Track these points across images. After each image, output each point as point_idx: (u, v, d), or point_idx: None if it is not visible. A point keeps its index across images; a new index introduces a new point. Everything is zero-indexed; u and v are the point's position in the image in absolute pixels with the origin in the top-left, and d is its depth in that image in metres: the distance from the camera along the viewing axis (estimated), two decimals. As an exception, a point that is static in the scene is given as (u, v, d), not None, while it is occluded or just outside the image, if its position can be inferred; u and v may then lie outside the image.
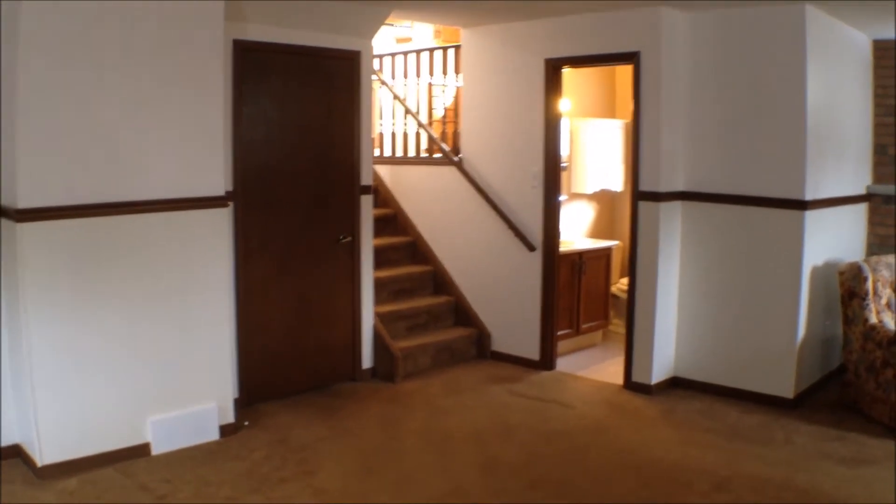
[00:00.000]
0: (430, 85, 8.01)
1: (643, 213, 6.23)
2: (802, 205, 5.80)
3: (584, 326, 7.51)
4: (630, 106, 8.25)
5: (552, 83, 6.67)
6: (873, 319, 5.78)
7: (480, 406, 6.04)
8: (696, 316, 6.35)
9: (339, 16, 5.95)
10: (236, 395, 5.53)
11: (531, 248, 6.83)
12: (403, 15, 7.10)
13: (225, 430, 5.30)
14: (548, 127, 6.71)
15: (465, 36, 7.23)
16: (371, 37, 6.34)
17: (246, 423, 5.51)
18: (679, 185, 6.29)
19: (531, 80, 6.77)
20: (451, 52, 7.64)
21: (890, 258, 6.06)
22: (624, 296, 7.84)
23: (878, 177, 6.91)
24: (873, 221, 6.94)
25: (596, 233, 8.38)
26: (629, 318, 6.40)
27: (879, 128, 6.87)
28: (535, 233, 6.86)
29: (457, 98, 7.71)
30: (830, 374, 6.53)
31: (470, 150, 7.28)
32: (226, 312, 5.34)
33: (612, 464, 5.03)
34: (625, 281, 7.96)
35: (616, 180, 8.32)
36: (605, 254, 7.73)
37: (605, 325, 7.80)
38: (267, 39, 5.68)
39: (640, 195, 6.24)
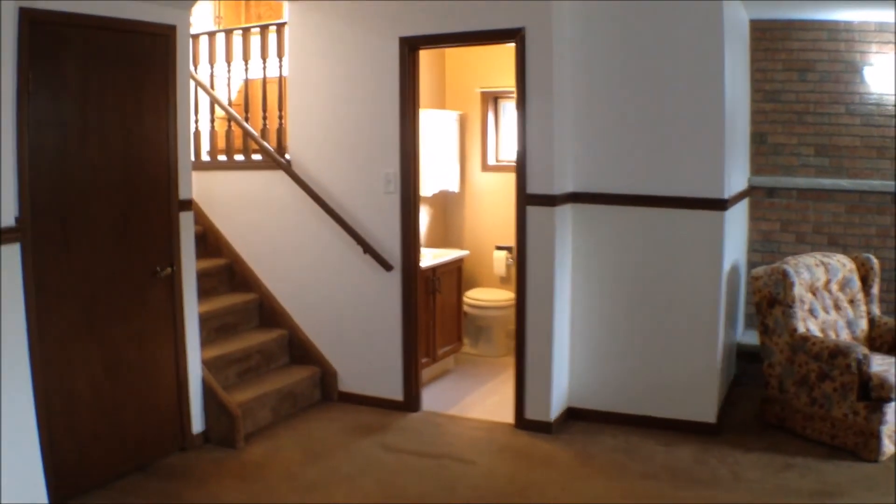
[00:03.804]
0: (212, 76, 6.55)
1: (534, 221, 5.22)
2: (722, 204, 5.07)
3: (441, 352, 6.41)
4: (464, 96, 7.44)
5: (408, 66, 5.50)
6: (802, 329, 5.15)
7: (359, 473, 4.77)
8: (592, 336, 5.47)
9: (148, -24, 4.45)
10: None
11: (388, 267, 5.63)
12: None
13: (36, 558, 3.73)
14: (404, 119, 5.54)
15: (293, 12, 5.86)
16: (190, 7, 4.86)
17: (61, 543, 3.93)
18: (568, 186, 5.34)
19: (381, 62, 5.56)
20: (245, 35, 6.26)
21: (808, 259, 5.46)
22: (474, 312, 6.87)
23: (758, 168, 6.35)
24: (755, 217, 6.39)
25: (433, 241, 7.30)
26: (519, 344, 5.38)
27: (757, 115, 6.32)
28: (392, 248, 5.67)
29: (247, 93, 6.33)
30: (730, 388, 5.87)
31: (302, 149, 5.94)
32: (24, 389, 3.76)
33: (567, 543, 3.99)
34: (474, 294, 6.98)
35: (453, 180, 7.28)
36: (457, 266, 6.68)
37: (458, 347, 6.74)
38: (62, 9, 4.08)
39: (528, 199, 5.22)
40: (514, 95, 5.23)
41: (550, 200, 5.14)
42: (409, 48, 5.47)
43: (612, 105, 5.25)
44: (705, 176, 5.07)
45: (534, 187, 5.19)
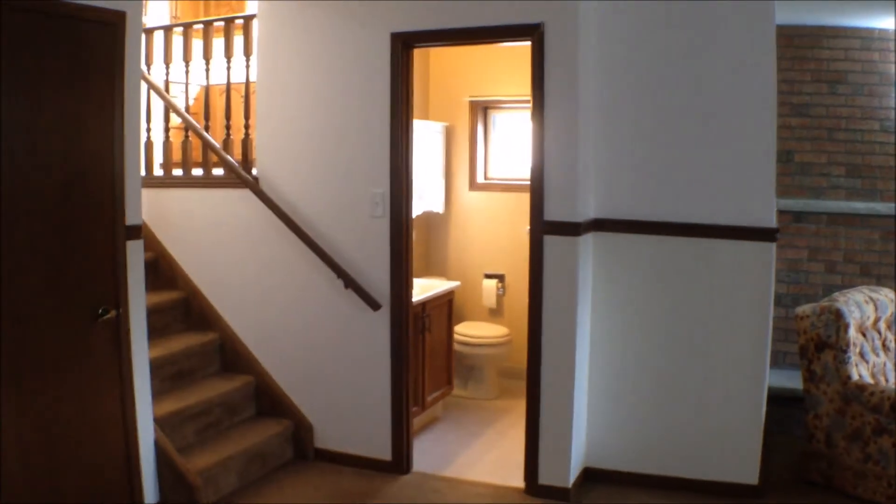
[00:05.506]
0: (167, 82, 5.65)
1: (552, 253, 4.44)
2: (771, 234, 4.37)
3: (430, 399, 5.59)
4: (450, 105, 6.67)
5: (401, 67, 4.69)
6: (856, 376, 4.45)
7: (349, 559, 3.93)
8: (615, 386, 4.72)
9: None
10: None
11: (375, 305, 4.79)
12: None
13: None
14: (395, 130, 4.72)
15: (264, 7, 5.00)
16: (143, -11, 4.01)
17: None
18: (590, 211, 4.58)
19: (369, 63, 4.74)
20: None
21: (857, 295, 4.76)
22: (464, 349, 6.07)
23: (783, 189, 5.65)
24: (780, 244, 5.65)
25: (414, 269, 6.45)
26: (531, 397, 4.58)
27: (783, 131, 5.60)
28: (379, 282, 4.84)
29: (208, 97, 5.47)
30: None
31: (272, 164, 5.08)
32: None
33: None
34: (463, 330, 6.22)
35: (437, 200, 6.48)
36: (448, 299, 5.86)
37: (448, 391, 5.92)
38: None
39: (546, 227, 4.43)
40: (529, 104, 4.48)
41: (573, 229, 4.37)
42: (403, 46, 4.66)
43: (643, 118, 4.52)
44: (752, 201, 4.38)
45: (553, 213, 4.40)
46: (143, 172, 4.90)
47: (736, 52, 4.33)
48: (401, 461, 4.90)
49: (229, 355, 5.26)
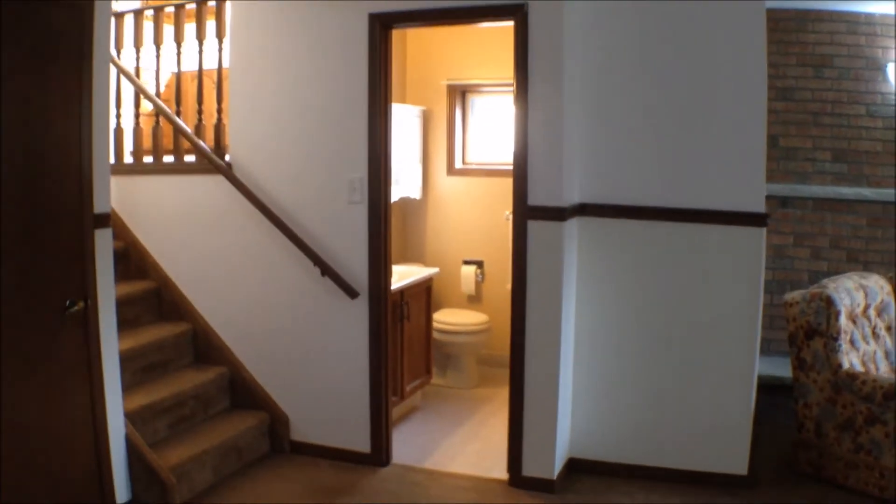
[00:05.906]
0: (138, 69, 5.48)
1: (537, 239, 4.32)
2: (761, 219, 4.29)
3: (409, 388, 5.47)
4: (427, 89, 6.53)
5: (379, 49, 4.54)
6: (847, 364, 4.38)
7: (328, 557, 3.81)
8: (600, 375, 4.61)
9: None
10: None
11: (352, 293, 4.65)
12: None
13: None
14: (373, 113, 4.58)
15: (235, -14, 4.85)
16: (110, -33, 3.83)
17: None
18: (575, 195, 4.46)
19: (346, 44, 4.59)
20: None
21: (847, 281, 4.68)
22: (442, 337, 5.96)
23: (768, 174, 5.46)
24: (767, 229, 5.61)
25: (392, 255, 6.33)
26: (514, 386, 4.47)
27: (767, 115, 5.50)
28: (357, 269, 4.70)
29: (179, 83, 5.29)
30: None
31: (245, 149, 4.92)
32: None
33: None
34: (441, 317, 6.10)
35: (414, 185, 6.34)
36: (426, 287, 5.73)
37: (427, 381, 5.80)
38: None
39: (530, 212, 4.31)
40: (509, 87, 4.35)
41: (559, 214, 4.25)
42: (381, 27, 4.51)
43: (630, 100, 4.41)
44: (742, 186, 4.31)
45: (537, 198, 4.28)
46: (112, 160, 4.75)
47: (726, 36, 4.25)
48: (380, 453, 4.78)
49: (202, 346, 5.11)
